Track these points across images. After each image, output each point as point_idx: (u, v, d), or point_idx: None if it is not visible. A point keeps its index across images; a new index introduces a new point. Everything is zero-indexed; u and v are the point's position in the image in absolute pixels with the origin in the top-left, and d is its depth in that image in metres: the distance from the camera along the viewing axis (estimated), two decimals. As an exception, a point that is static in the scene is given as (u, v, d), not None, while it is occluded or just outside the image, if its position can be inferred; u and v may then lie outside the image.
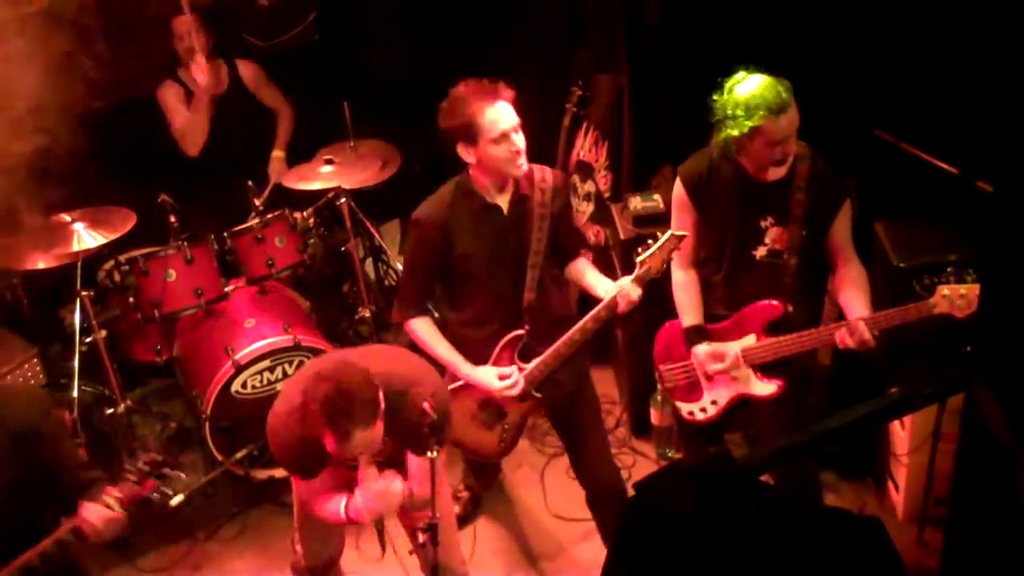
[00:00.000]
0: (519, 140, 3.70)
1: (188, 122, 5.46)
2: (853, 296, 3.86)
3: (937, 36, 4.20)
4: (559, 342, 3.90)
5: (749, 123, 3.66)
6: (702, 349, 4.00)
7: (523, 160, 3.74)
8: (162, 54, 5.57)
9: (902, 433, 4.43)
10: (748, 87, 3.69)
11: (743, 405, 4.08)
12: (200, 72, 5.35)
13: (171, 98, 5.51)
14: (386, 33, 6.65)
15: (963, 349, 3.72)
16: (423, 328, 3.98)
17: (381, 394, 3.29)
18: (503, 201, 3.85)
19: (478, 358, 3.96)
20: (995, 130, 2.72)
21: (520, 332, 3.93)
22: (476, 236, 3.83)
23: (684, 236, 3.73)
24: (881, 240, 4.34)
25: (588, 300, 4.03)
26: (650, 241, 3.73)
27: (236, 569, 4.68)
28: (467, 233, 3.83)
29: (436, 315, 4.19)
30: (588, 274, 4.05)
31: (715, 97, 3.77)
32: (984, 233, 3.51)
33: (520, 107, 3.79)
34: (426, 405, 3.33)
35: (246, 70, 5.67)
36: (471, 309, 3.97)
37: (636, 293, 3.74)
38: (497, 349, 3.95)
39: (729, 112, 3.72)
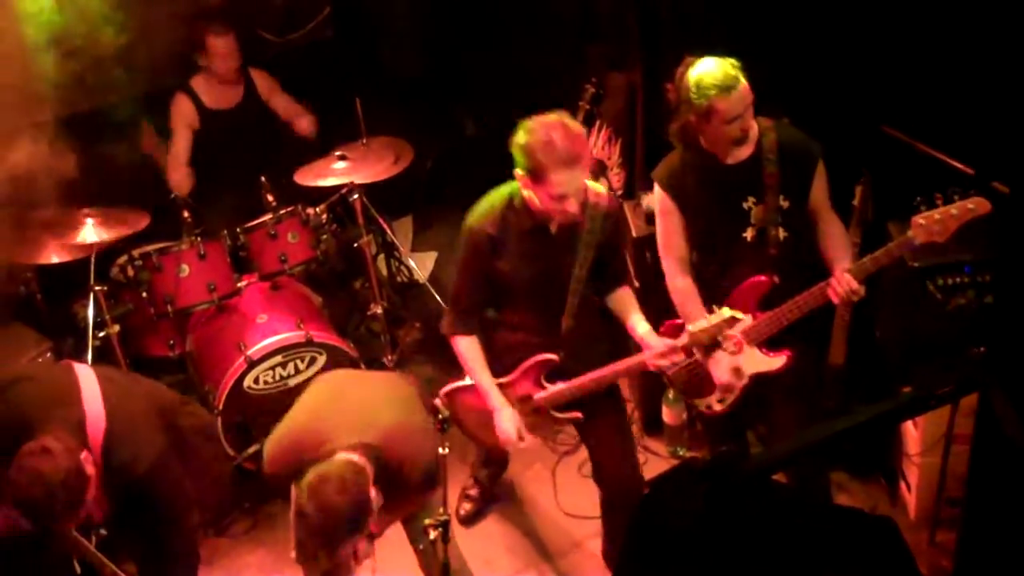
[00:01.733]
0: (574, 205, 3.65)
1: (180, 176, 5.57)
2: (835, 252, 3.91)
3: (951, 35, 4.18)
4: (587, 378, 3.92)
5: (702, 102, 3.73)
6: (724, 366, 4.01)
7: (570, 215, 3.70)
8: (180, 54, 5.59)
9: (915, 433, 4.41)
10: (696, 70, 3.76)
11: (760, 402, 4.08)
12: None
13: (177, 118, 5.55)
14: (399, 29, 6.66)
15: (977, 350, 3.71)
16: (468, 349, 3.98)
17: (373, 493, 3.25)
18: (552, 223, 3.80)
19: (504, 362, 4.00)
20: (1010, 130, 2.71)
21: (552, 357, 3.94)
22: (521, 254, 3.82)
23: (741, 320, 3.70)
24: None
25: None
26: (708, 314, 3.70)
27: (248, 564, 4.69)
28: (513, 249, 3.82)
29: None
30: (630, 311, 4.00)
31: (668, 87, 3.86)
32: (999, 233, 3.51)
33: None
34: (438, 401, 3.38)
35: (261, 80, 5.70)
36: (508, 316, 4.00)
37: (677, 358, 3.76)
38: (524, 366, 3.97)
39: (683, 97, 3.79)
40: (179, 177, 5.56)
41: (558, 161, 3.54)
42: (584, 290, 3.90)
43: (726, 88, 3.69)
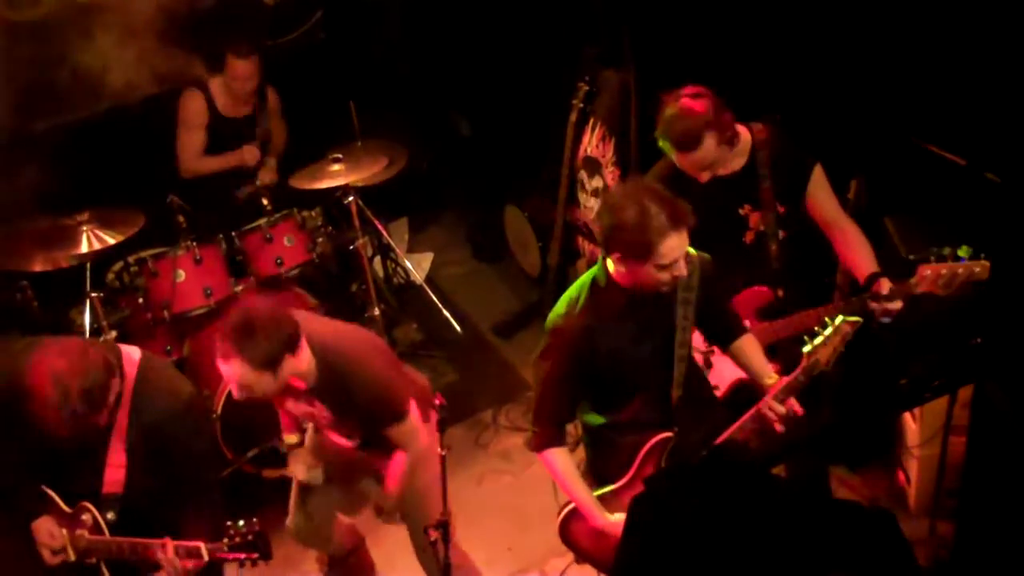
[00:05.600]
0: (683, 267, 3.29)
1: (202, 163, 5.56)
2: (856, 259, 3.85)
3: (942, 28, 4.18)
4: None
5: (664, 148, 3.76)
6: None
7: (679, 279, 3.34)
8: (181, 58, 5.59)
9: (913, 426, 4.42)
10: (675, 109, 3.72)
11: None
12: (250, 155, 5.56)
13: (191, 115, 5.53)
14: (391, 31, 6.66)
15: (974, 341, 3.71)
16: (562, 463, 3.57)
17: (308, 352, 3.43)
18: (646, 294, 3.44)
19: (623, 464, 3.60)
20: (1002, 121, 2.72)
21: (667, 435, 3.55)
22: (621, 337, 3.44)
23: (859, 322, 3.40)
24: (891, 234, 4.32)
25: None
26: (817, 328, 3.40)
27: (245, 569, 4.68)
28: (611, 335, 3.43)
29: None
30: (754, 359, 3.65)
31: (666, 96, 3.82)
32: (992, 223, 3.52)
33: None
34: (436, 401, 3.43)
35: (272, 97, 5.71)
36: (622, 414, 3.58)
37: (794, 405, 3.39)
38: (640, 456, 3.57)
39: (656, 132, 3.79)
40: (194, 167, 5.58)
41: (666, 222, 3.20)
42: (689, 354, 3.57)
43: (681, 147, 3.71)
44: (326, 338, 3.53)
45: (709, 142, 3.68)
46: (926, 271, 3.68)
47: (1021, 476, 2.64)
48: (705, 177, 3.81)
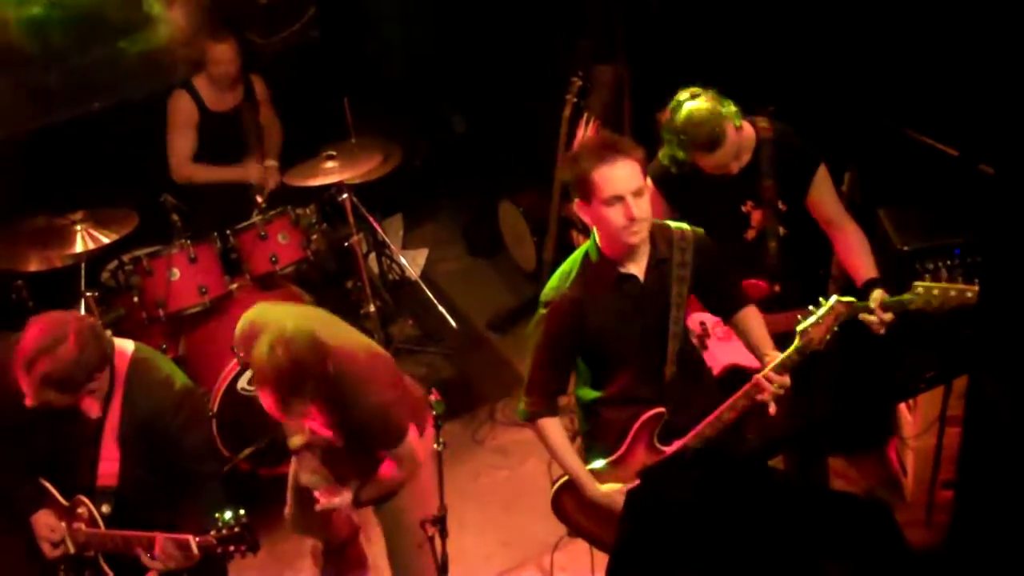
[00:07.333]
0: (637, 206, 3.26)
1: (192, 170, 5.56)
2: (855, 262, 3.83)
3: (935, 19, 4.19)
4: (704, 424, 3.53)
5: (683, 153, 3.71)
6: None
7: (639, 228, 3.30)
8: (171, 57, 5.60)
9: (909, 416, 4.43)
10: (687, 115, 3.67)
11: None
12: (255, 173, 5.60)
13: (180, 116, 5.54)
14: (385, 28, 6.66)
15: (968, 332, 3.72)
16: (553, 432, 3.58)
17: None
18: (638, 269, 3.44)
19: (616, 440, 3.60)
20: (996, 113, 2.72)
21: (659, 410, 3.54)
22: (611, 312, 3.44)
23: (852, 303, 3.47)
24: (884, 225, 4.33)
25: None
26: (812, 308, 3.44)
27: (244, 567, 4.66)
28: (601, 309, 3.43)
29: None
30: (756, 331, 3.63)
31: (662, 114, 3.76)
32: (986, 215, 3.52)
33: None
34: (432, 396, 3.43)
35: (259, 86, 5.73)
36: (612, 388, 3.58)
37: (786, 380, 3.39)
38: (633, 431, 3.56)
39: (667, 136, 3.73)
40: (188, 172, 5.59)
41: (597, 153, 3.27)
42: (684, 332, 3.56)
43: (708, 147, 3.66)
44: (341, 350, 3.48)
45: (730, 134, 3.68)
46: (919, 288, 3.65)
47: (1016, 467, 2.65)
48: (735, 168, 3.78)
